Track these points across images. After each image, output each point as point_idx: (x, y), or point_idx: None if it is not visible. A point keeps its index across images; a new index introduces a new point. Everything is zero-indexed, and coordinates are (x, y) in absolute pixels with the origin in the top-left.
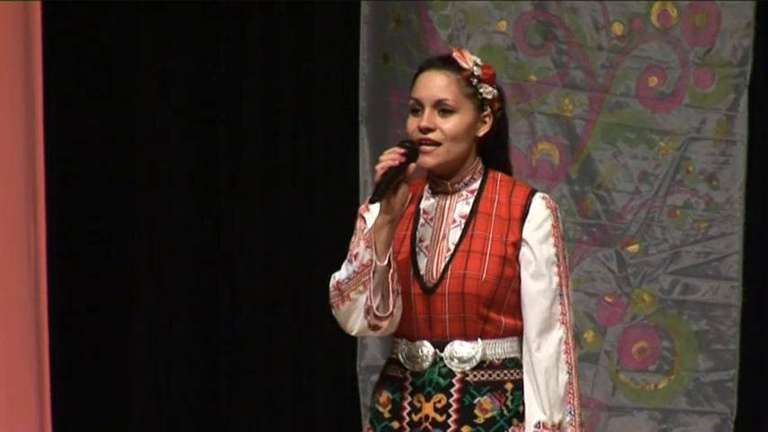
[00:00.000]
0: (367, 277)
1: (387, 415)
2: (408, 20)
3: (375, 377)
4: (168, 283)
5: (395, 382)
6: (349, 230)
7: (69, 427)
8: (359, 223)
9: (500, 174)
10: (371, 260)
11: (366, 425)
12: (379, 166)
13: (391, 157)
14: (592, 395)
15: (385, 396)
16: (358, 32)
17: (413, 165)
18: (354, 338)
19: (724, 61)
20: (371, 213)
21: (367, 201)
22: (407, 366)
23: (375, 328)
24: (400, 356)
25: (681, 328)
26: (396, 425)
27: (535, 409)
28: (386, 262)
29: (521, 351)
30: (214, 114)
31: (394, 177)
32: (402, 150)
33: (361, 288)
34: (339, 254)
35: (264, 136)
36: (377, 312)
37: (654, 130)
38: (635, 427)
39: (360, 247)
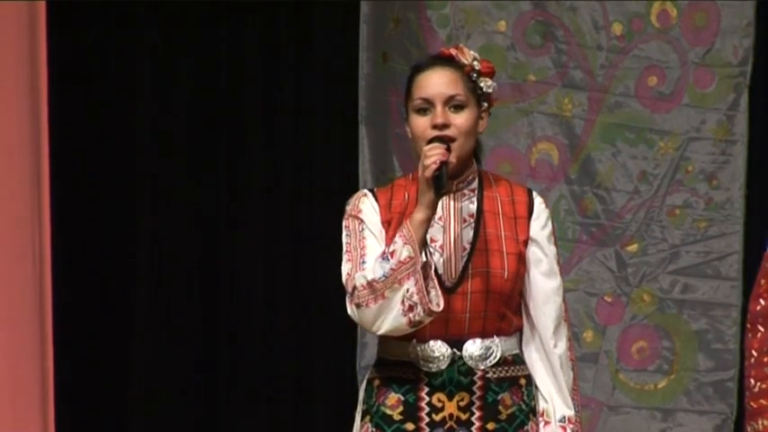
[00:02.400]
0: (404, 274)
1: (397, 417)
2: (407, 19)
3: None
4: (168, 284)
5: (405, 384)
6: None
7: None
8: (353, 224)
9: (490, 173)
10: (410, 257)
11: (366, 428)
12: (429, 161)
13: (439, 151)
14: (592, 395)
15: (394, 398)
16: (357, 32)
17: (453, 160)
18: (354, 338)
19: (724, 61)
20: (366, 214)
21: (356, 201)
22: (423, 367)
23: (417, 324)
24: (413, 358)
25: (680, 327)
26: (410, 426)
27: (559, 405)
28: (425, 258)
29: (520, 348)
30: (214, 114)
31: (446, 171)
32: (445, 146)
33: (396, 286)
34: (338, 255)
35: (264, 135)
36: (431, 307)
37: (653, 130)
38: (635, 426)
39: (397, 244)
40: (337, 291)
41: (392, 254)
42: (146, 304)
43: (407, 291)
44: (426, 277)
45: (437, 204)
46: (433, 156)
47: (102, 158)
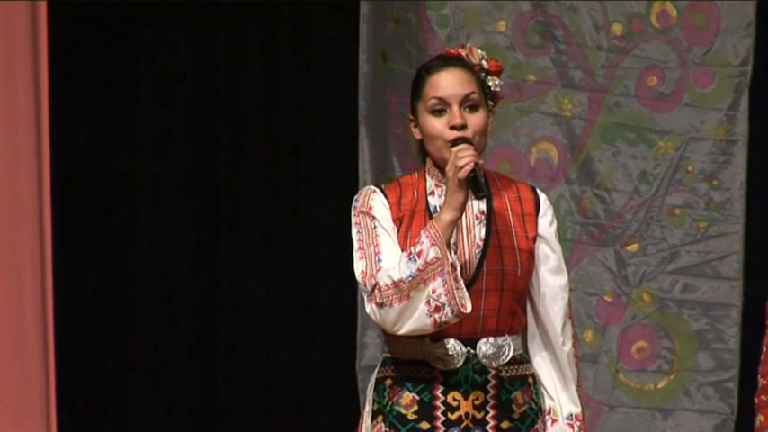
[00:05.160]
0: (430, 274)
1: (412, 416)
2: (407, 19)
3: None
4: (168, 284)
5: (419, 383)
6: (348, 230)
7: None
8: (364, 221)
9: (491, 171)
10: (437, 257)
11: (379, 428)
12: (463, 162)
13: (471, 152)
14: (592, 395)
15: (408, 397)
16: (357, 32)
17: (482, 161)
18: (354, 338)
19: (724, 61)
20: (377, 210)
21: (365, 198)
22: (438, 366)
23: (442, 325)
24: (427, 356)
25: (680, 327)
26: (425, 425)
27: (566, 402)
28: (452, 259)
29: (524, 346)
30: (214, 114)
31: (480, 172)
32: (474, 147)
33: (422, 286)
34: (338, 254)
35: (264, 136)
36: (461, 309)
37: (653, 130)
38: (635, 426)
39: (423, 245)
40: (336, 290)
41: (419, 254)
42: (145, 304)
43: (433, 291)
44: (454, 278)
45: (465, 206)
46: (465, 157)
47: (102, 158)
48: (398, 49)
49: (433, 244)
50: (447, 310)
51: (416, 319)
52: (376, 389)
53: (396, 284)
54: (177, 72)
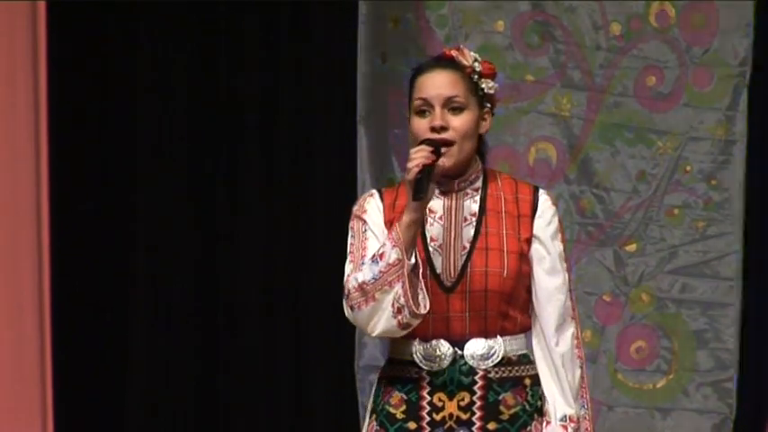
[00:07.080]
0: (394, 276)
1: (400, 416)
2: (406, 19)
3: (373, 376)
4: (166, 284)
5: (408, 383)
6: (347, 231)
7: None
8: (357, 225)
9: (497, 171)
10: (399, 259)
11: (372, 426)
12: (412, 164)
13: (423, 155)
14: (591, 395)
15: (397, 397)
16: (356, 32)
17: (440, 163)
18: (353, 338)
19: (723, 61)
20: (369, 215)
21: (362, 202)
22: (425, 366)
23: (407, 326)
24: (415, 357)
25: (679, 327)
26: (412, 425)
27: (560, 404)
28: (413, 260)
29: (529, 347)
30: (213, 114)
31: (429, 175)
32: (431, 148)
33: (386, 288)
34: (337, 255)
35: (263, 136)
36: (416, 310)
37: (652, 130)
38: (633, 426)
39: (386, 247)
40: (336, 291)
41: (381, 256)
42: (143, 305)
43: (397, 293)
44: (414, 280)
45: (425, 207)
46: (416, 159)
47: (101, 159)
48: (397, 49)
49: (394, 246)
50: (406, 311)
51: (385, 321)
52: (375, 388)
53: (360, 287)
54: (176, 72)
